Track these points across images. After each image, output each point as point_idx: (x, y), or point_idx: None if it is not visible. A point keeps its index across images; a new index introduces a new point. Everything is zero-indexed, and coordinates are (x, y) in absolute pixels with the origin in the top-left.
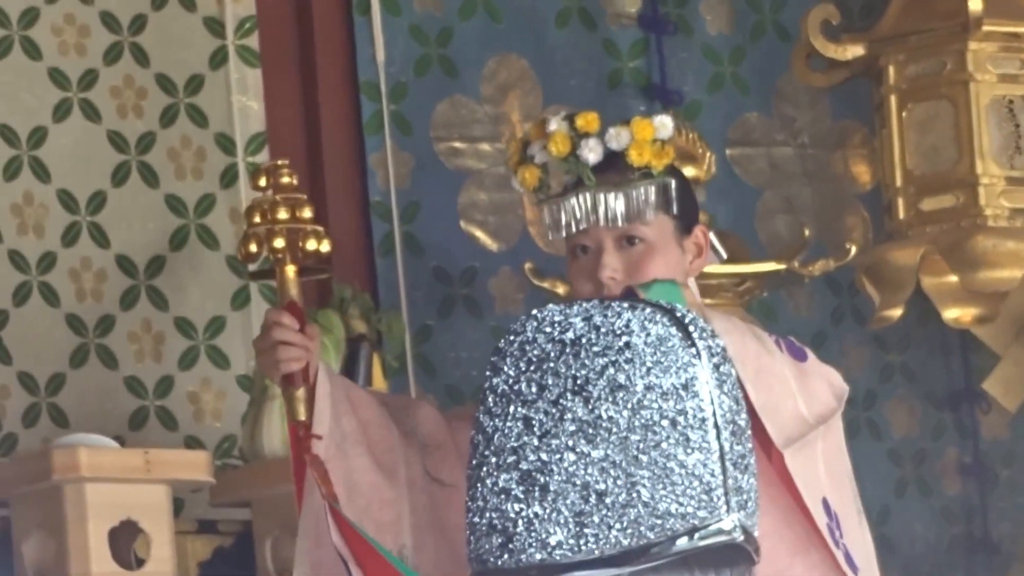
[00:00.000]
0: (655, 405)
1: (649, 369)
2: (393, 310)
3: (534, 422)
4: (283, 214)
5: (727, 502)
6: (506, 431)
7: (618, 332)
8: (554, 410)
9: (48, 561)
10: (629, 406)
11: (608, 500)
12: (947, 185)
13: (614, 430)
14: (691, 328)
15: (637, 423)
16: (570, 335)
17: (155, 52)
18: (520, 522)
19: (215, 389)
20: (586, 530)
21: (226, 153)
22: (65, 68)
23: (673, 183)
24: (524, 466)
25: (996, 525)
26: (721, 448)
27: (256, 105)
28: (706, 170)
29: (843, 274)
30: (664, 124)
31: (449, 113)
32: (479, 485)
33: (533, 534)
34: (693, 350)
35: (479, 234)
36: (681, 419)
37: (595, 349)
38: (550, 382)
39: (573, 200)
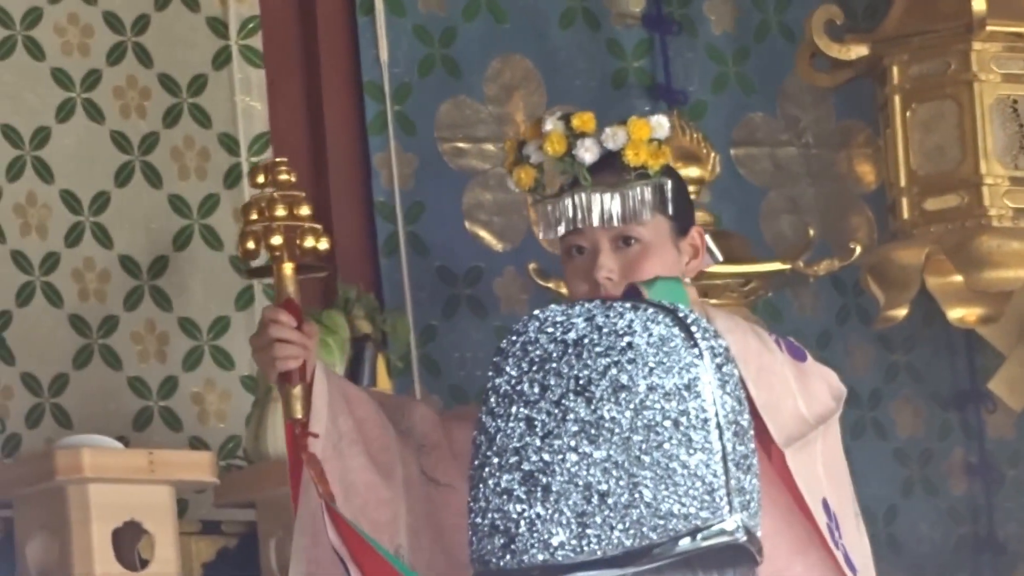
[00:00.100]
0: (657, 406)
1: (652, 370)
2: (398, 310)
3: (536, 423)
4: (281, 211)
5: (730, 503)
6: (508, 432)
7: (620, 332)
8: (556, 411)
9: (51, 562)
10: (631, 407)
11: (610, 501)
12: (951, 185)
13: (616, 431)
14: (694, 328)
15: (639, 424)
16: (572, 335)
17: (158, 52)
18: (522, 523)
19: (219, 390)
20: (588, 531)
21: (230, 153)
22: (68, 68)
23: (669, 183)
24: (526, 467)
25: (1002, 525)
26: (723, 449)
27: (260, 105)
28: (710, 170)
29: (848, 274)
30: (660, 124)
31: (453, 113)
32: (481, 486)
33: (535, 535)
34: (696, 351)
35: (483, 234)
36: (683, 420)
37: (597, 350)
38: (552, 382)
39: (569, 200)
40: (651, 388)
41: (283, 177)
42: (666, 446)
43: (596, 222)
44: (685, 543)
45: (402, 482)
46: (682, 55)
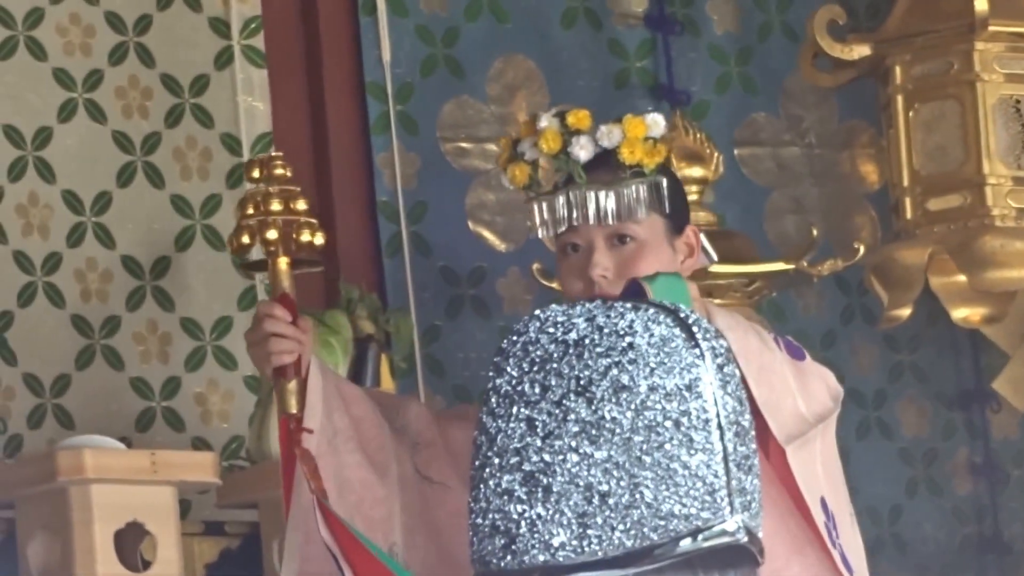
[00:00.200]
0: (658, 406)
1: (653, 370)
2: (401, 311)
3: (537, 423)
4: (276, 206)
5: (731, 503)
6: (509, 432)
7: (621, 333)
8: (557, 411)
9: (53, 563)
10: (632, 407)
11: (611, 501)
12: (954, 185)
13: (617, 431)
14: (695, 329)
15: (640, 424)
16: (573, 336)
17: (160, 52)
18: (523, 523)
19: (222, 390)
20: (589, 531)
21: (232, 153)
22: (70, 68)
23: (664, 182)
24: (527, 467)
25: (1007, 525)
26: (724, 449)
27: (262, 105)
28: (714, 170)
29: (852, 273)
30: (656, 122)
31: (456, 113)
32: (482, 486)
33: (536, 535)
34: (697, 351)
35: (487, 234)
36: (684, 420)
37: (598, 350)
38: (553, 383)
39: (563, 198)
40: (652, 388)
41: (279, 172)
42: (667, 447)
43: (591, 220)
44: (686, 544)
45: (397, 480)
46: (685, 55)
